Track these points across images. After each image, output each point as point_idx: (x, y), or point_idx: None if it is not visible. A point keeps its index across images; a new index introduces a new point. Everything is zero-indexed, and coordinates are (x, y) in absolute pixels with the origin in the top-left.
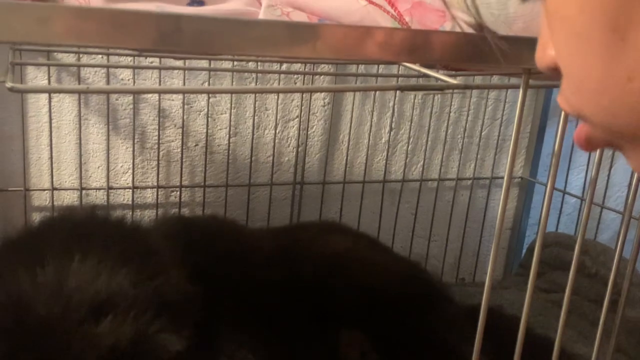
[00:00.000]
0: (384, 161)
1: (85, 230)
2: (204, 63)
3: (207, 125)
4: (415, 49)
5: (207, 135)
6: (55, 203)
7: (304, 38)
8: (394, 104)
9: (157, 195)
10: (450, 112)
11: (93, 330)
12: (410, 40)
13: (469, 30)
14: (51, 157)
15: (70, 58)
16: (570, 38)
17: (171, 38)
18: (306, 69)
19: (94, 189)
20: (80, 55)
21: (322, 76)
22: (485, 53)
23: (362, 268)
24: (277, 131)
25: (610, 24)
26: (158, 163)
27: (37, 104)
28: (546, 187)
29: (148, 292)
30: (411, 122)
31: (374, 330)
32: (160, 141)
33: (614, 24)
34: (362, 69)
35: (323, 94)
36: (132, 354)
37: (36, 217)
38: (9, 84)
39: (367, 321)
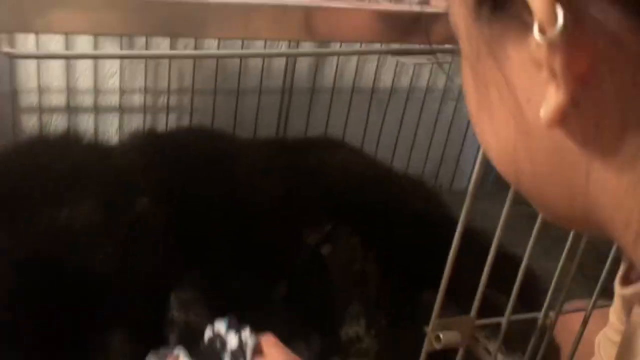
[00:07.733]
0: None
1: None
2: None
3: None
4: None
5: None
6: (42, 105)
7: None
8: None
9: (145, 99)
10: None
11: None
12: None
13: None
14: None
15: None
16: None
17: None
18: None
19: (81, 91)
20: None
21: None
22: None
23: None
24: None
25: (478, 104)
26: (145, 65)
27: None
28: None
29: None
30: None
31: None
32: (148, 43)
33: (479, 104)
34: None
35: None
36: (96, 222)
37: (25, 119)
38: None
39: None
